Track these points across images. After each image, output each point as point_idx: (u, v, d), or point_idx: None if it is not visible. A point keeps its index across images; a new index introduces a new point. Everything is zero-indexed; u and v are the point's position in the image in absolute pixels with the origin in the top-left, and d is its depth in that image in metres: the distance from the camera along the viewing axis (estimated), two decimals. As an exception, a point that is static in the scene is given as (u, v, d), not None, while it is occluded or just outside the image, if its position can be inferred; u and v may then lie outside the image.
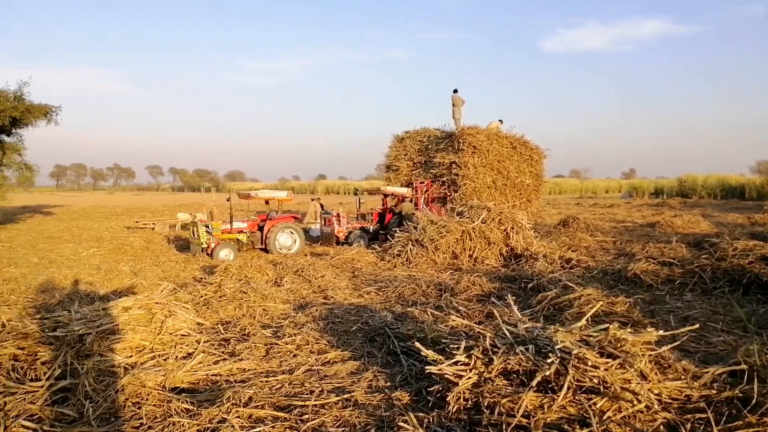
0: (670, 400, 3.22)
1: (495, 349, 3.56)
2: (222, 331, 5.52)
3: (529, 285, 7.29)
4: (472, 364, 3.52)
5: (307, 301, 7.00)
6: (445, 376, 3.53)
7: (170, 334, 4.89)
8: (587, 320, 3.94)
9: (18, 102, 16.31)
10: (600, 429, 2.91)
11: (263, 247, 12.57)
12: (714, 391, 3.29)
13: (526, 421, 3.04)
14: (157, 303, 5.15)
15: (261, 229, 12.73)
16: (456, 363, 3.57)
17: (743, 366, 3.47)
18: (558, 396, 3.10)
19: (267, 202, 13.72)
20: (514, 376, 3.42)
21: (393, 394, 3.79)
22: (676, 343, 3.94)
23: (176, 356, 4.59)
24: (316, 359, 4.68)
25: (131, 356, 4.49)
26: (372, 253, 10.91)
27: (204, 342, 4.95)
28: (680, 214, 18.05)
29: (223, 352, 4.84)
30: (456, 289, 7.24)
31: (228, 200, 12.53)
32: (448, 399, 3.36)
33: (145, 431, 3.39)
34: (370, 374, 4.22)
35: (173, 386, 4.03)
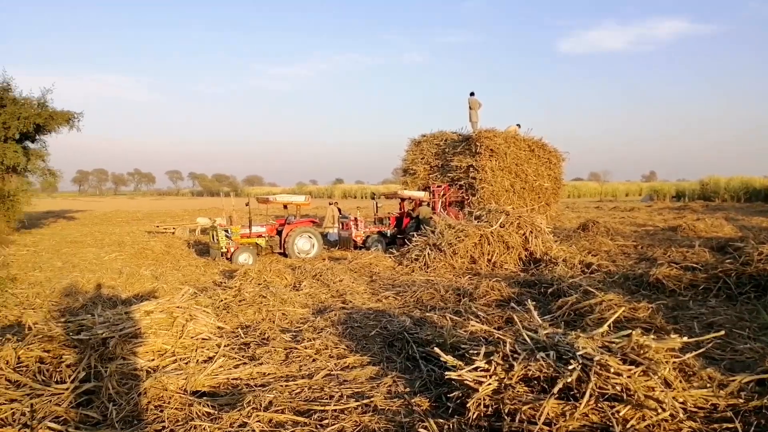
0: (695, 409, 3.16)
1: (515, 355, 3.53)
2: (242, 335, 5.56)
3: (549, 290, 7.22)
4: (492, 370, 3.49)
5: (325, 306, 7.03)
6: (465, 382, 3.51)
7: (191, 337, 4.94)
8: (609, 326, 3.89)
9: (41, 109, 16.65)
10: (623, 437, 2.87)
11: (282, 251, 12.65)
12: (741, 400, 3.23)
13: (547, 428, 3.01)
14: (178, 307, 5.20)
15: (279, 233, 12.81)
16: (476, 369, 3.55)
17: (771, 374, 3.40)
18: (580, 403, 3.06)
19: (285, 207, 13.82)
20: (535, 382, 3.39)
21: (412, 400, 3.78)
22: (700, 350, 3.88)
23: (197, 360, 4.63)
24: (335, 364, 4.68)
25: (153, 360, 4.54)
26: (390, 257, 10.91)
27: (224, 346, 4.99)
28: (703, 217, 17.75)
29: (243, 356, 4.88)
30: (475, 294, 7.20)
31: (247, 205, 12.64)
32: (468, 405, 3.34)
33: (168, 434, 3.43)
34: (389, 379, 4.22)
35: (194, 390, 4.07)
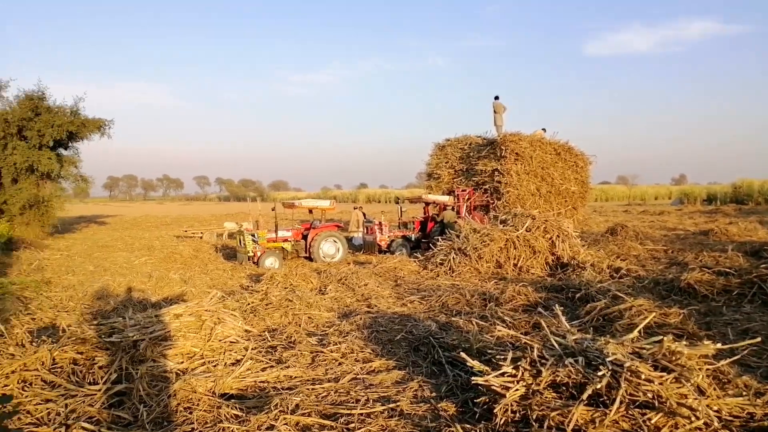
0: (730, 418, 3.08)
1: (543, 361, 3.49)
2: (269, 338, 5.62)
3: (577, 295, 7.11)
4: (519, 376, 3.46)
5: (350, 310, 7.05)
6: (492, 387, 3.48)
7: (219, 340, 5.01)
8: (639, 332, 3.82)
9: (74, 117, 17.17)
10: (655, 446, 2.81)
11: (307, 255, 12.75)
12: (779, 409, 3.13)
13: (576, 435, 2.96)
14: (206, 310, 5.28)
15: (305, 237, 12.92)
16: (503, 374, 3.52)
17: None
18: (610, 410, 3.01)
19: (310, 211, 13.93)
20: (564, 388, 3.34)
21: (439, 405, 3.76)
22: (735, 357, 3.77)
23: (225, 363, 4.70)
24: (361, 368, 4.69)
25: (182, 362, 4.62)
26: (414, 261, 10.89)
27: (252, 349, 5.05)
28: (735, 221, 17.31)
29: (270, 359, 4.92)
30: (501, 299, 7.13)
31: (273, 209, 12.77)
32: (495, 411, 3.31)
33: (197, 436, 3.48)
34: (415, 384, 4.21)
35: (222, 392, 4.12)
